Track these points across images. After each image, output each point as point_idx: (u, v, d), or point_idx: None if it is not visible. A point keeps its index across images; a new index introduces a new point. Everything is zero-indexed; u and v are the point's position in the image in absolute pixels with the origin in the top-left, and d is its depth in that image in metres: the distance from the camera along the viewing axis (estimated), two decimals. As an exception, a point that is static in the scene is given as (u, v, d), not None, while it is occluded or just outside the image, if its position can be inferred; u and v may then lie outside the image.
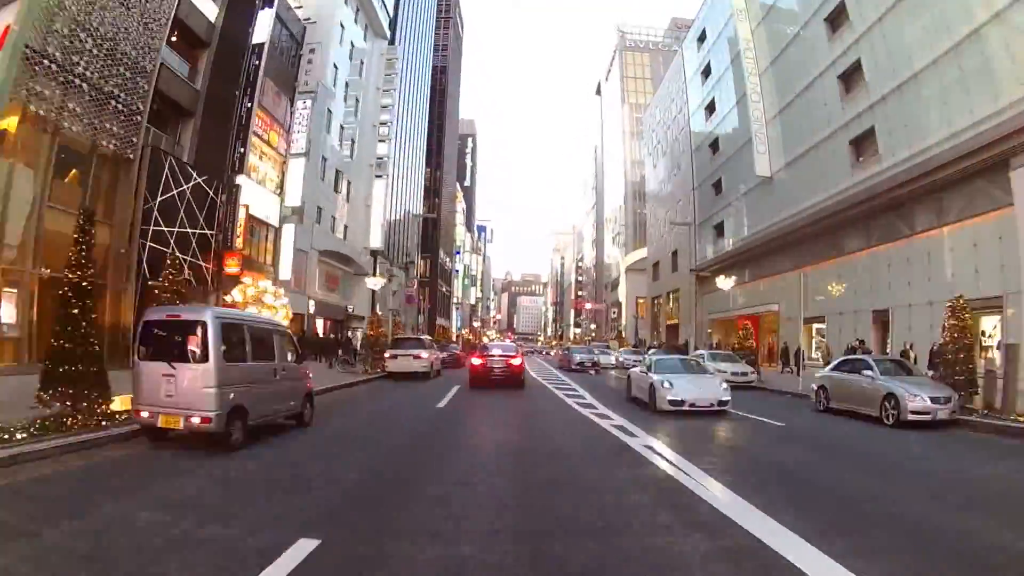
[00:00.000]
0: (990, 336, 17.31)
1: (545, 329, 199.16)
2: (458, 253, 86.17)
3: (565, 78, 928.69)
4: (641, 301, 69.15)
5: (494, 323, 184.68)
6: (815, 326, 28.12)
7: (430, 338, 29.78)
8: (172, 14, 18.84)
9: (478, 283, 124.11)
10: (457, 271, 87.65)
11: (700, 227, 46.20)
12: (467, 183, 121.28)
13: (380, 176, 41.93)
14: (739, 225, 37.79)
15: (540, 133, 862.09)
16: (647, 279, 65.01)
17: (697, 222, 46.82)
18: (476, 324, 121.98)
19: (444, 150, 78.30)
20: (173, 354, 7.45)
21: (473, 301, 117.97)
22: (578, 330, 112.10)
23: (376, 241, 40.90)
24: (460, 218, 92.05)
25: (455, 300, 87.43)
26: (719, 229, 42.55)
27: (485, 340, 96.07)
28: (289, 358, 9.47)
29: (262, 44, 25.10)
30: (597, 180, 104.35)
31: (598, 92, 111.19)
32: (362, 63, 39.16)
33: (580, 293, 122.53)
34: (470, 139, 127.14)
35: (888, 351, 20.64)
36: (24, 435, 6.89)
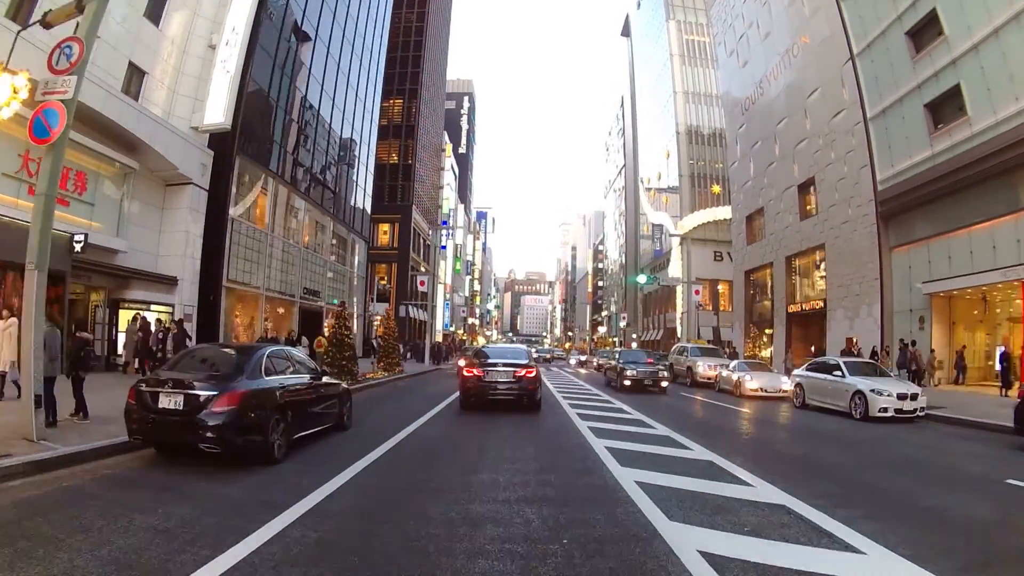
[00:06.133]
0: None
1: (552, 330, 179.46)
2: (446, 224, 63.78)
3: (569, 52, 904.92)
4: (701, 284, 46.61)
5: (495, 323, 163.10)
6: None
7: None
8: None
9: (475, 272, 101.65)
10: (444, 248, 65.25)
11: (881, 119, 24.38)
12: (462, 149, 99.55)
13: (246, -8, 19.65)
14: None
15: (543, 132, 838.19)
16: (715, 251, 42.92)
17: (869, 113, 25.22)
18: (472, 321, 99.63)
19: (424, 87, 56.05)
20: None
21: (469, 293, 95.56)
22: (603, 329, 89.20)
23: (218, 114, 18.54)
24: (448, 178, 69.69)
25: (441, 286, 64.96)
26: (940, 107, 20.97)
27: (481, 341, 73.29)
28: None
29: None
30: (626, 137, 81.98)
31: (624, 33, 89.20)
32: None
33: (600, 283, 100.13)
34: (466, 99, 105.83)
35: None
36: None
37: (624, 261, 77.83)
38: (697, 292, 30.09)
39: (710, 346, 25.22)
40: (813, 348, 29.15)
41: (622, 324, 71.23)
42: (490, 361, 11.97)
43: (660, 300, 57.87)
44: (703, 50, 61.12)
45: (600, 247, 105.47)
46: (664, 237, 59.66)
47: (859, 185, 26.59)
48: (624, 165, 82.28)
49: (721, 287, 47.80)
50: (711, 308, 44.53)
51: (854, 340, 26.16)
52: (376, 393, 15.92)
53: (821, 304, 28.26)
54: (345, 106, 32.84)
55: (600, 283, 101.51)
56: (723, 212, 48.07)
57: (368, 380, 17.70)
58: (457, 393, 12.97)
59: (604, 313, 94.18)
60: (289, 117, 25.99)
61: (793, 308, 30.31)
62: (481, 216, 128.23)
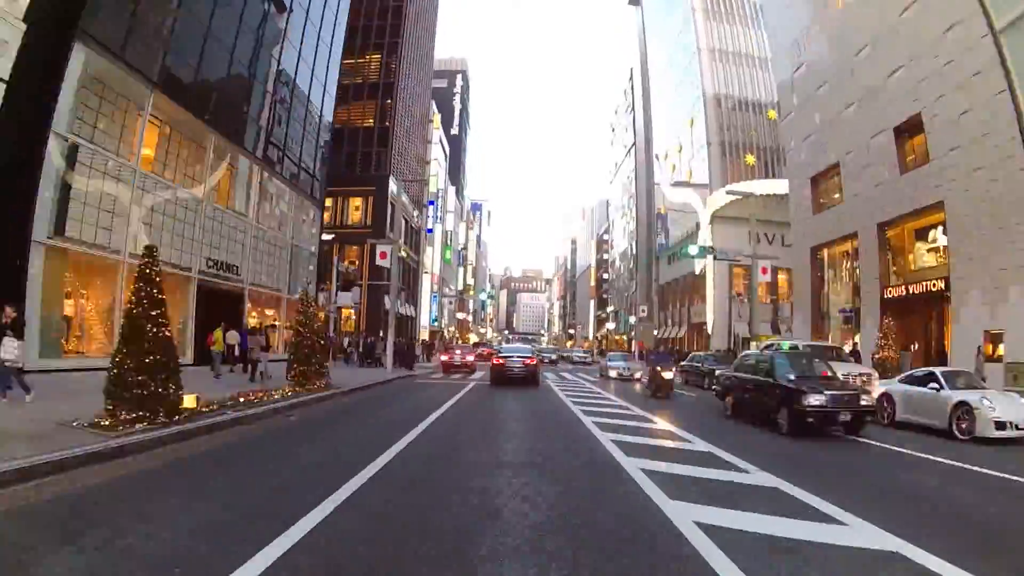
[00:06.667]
0: None
1: (549, 328, 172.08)
2: (432, 204, 55.59)
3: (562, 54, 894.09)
4: (740, 271, 39.06)
5: (490, 320, 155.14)
6: None
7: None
8: None
9: (466, 262, 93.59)
10: (431, 232, 57.08)
11: (1018, 28, 16.38)
12: (455, 130, 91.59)
13: None
14: None
15: (540, 127, 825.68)
16: (749, 231, 35.02)
17: (997, 24, 17.46)
18: (464, 316, 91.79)
19: (405, 41, 47.93)
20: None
21: (461, 287, 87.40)
22: (611, 325, 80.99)
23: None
24: (437, 153, 61.51)
25: (426, 275, 56.85)
26: None
27: (473, 338, 66.95)
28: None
29: None
30: (635, 113, 73.99)
31: (633, 1, 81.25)
32: None
33: (605, 275, 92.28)
34: (459, 77, 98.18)
35: None
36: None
37: (635, 250, 69.74)
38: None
39: (820, 343, 17.19)
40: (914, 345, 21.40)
41: (632, 320, 63.22)
42: (506, 355, 19.71)
43: (682, 290, 49.70)
44: (729, 4, 53.45)
45: (605, 236, 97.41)
46: (672, 223, 51.82)
47: (996, 119, 18.61)
48: (634, 144, 74.22)
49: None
50: (745, 297, 36.73)
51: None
52: (206, 451, 6.94)
53: (941, 284, 20.31)
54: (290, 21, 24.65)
55: (605, 275, 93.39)
56: (760, 186, 40.35)
57: (208, 416, 8.31)
58: (396, 449, 6.79)
59: (610, 308, 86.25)
60: (190, 13, 17.86)
61: (893, 291, 22.31)
62: (476, 207, 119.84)
